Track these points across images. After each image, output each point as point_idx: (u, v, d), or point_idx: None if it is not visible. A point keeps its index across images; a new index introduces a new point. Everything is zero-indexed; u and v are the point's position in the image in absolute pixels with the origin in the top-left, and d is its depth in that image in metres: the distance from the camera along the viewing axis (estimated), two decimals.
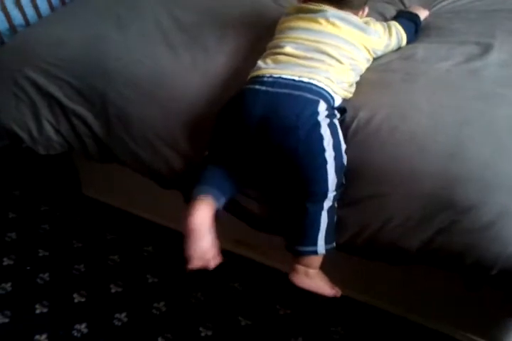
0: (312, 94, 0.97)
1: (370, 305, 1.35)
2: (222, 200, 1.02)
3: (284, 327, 1.33)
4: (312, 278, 1.04)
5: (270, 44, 1.10)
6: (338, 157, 0.98)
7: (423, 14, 1.30)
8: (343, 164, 1.00)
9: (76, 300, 1.40)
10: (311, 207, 0.98)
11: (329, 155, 0.96)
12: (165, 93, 1.15)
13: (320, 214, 0.98)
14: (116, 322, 1.35)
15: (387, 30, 1.16)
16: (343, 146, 1.00)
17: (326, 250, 1.01)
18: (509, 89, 1.06)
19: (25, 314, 1.37)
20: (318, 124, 0.96)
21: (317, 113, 0.96)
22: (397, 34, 1.17)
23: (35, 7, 1.66)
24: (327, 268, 1.17)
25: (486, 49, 1.16)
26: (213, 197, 0.99)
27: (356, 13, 1.11)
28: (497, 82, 1.07)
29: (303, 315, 1.36)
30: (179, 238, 1.50)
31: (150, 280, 1.45)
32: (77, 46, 1.24)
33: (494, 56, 1.14)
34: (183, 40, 1.23)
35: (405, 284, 1.24)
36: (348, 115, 1.04)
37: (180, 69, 1.17)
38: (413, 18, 1.25)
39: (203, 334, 1.32)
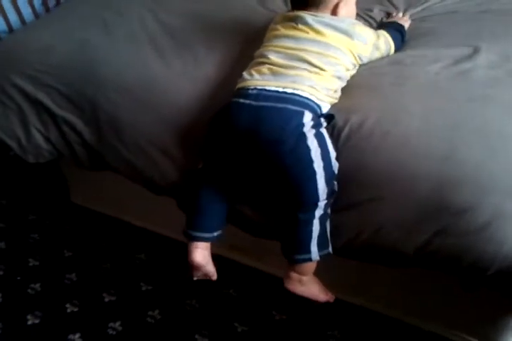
0: (296, 105, 0.97)
1: (365, 308, 1.36)
2: (219, 233, 1.10)
3: (281, 333, 1.33)
4: (306, 285, 1.06)
5: (257, 52, 1.09)
6: (327, 166, 0.98)
7: (406, 24, 1.29)
8: (333, 172, 0.99)
9: (69, 310, 1.38)
10: (302, 217, 0.99)
11: (318, 165, 0.96)
12: (155, 98, 1.14)
13: (312, 223, 0.99)
14: (110, 331, 1.33)
15: (375, 36, 1.13)
16: (333, 154, 0.99)
17: (320, 256, 1.02)
18: (498, 91, 1.07)
19: (17, 325, 1.35)
20: (303, 136, 0.96)
21: (302, 124, 0.96)
22: (386, 43, 1.16)
23: (19, 13, 1.64)
24: (323, 271, 1.18)
25: (475, 51, 1.16)
26: (210, 239, 1.09)
27: (329, 11, 1.08)
28: (486, 84, 1.08)
29: (299, 319, 1.36)
30: (172, 245, 1.51)
31: (144, 288, 1.44)
32: (65, 52, 1.23)
33: (483, 57, 1.14)
34: (171, 45, 1.22)
35: (401, 286, 1.24)
36: (340, 119, 1.04)
37: (169, 74, 1.16)
38: (399, 28, 1.23)
39: None
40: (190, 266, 1.09)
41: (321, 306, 1.35)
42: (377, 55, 1.15)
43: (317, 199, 0.97)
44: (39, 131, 1.22)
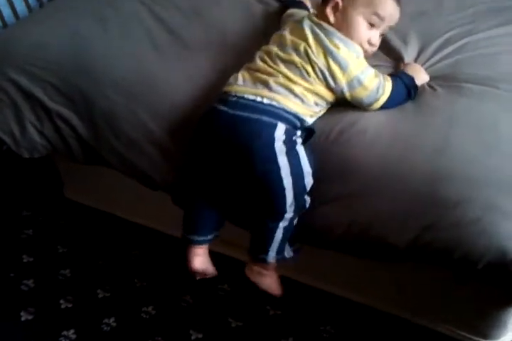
0: (270, 116, 0.97)
1: (358, 303, 1.36)
2: (216, 234, 1.14)
3: (275, 328, 1.33)
4: (264, 277, 1.11)
5: (256, 53, 1.08)
6: (297, 183, 0.99)
7: (420, 76, 1.11)
8: (305, 188, 1.01)
9: (63, 306, 1.38)
10: (268, 224, 1.04)
11: (287, 182, 0.98)
12: (150, 94, 1.14)
13: (275, 232, 1.03)
14: (104, 328, 1.33)
15: (364, 71, 1.01)
16: (307, 171, 1.00)
17: (277, 260, 1.07)
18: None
19: (11, 322, 1.34)
20: (273, 153, 0.96)
21: (273, 138, 0.96)
22: (380, 86, 1.02)
23: (12, 7, 1.63)
24: (314, 266, 1.18)
25: None
26: (207, 242, 1.12)
27: (326, 16, 1.03)
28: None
29: (293, 315, 1.36)
30: (166, 240, 1.51)
31: (138, 284, 1.43)
32: (60, 47, 1.22)
33: None
34: (167, 40, 1.22)
35: (393, 281, 1.25)
36: (332, 120, 1.04)
37: (165, 70, 1.16)
38: (406, 81, 1.06)
39: (193, 337, 1.31)
40: (190, 271, 1.13)
41: (315, 301, 1.37)
42: (359, 91, 1.01)
43: (283, 212, 1.01)
44: (33, 126, 1.22)
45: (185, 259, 1.13)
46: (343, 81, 1.00)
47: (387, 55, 1.20)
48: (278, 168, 0.97)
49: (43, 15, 1.37)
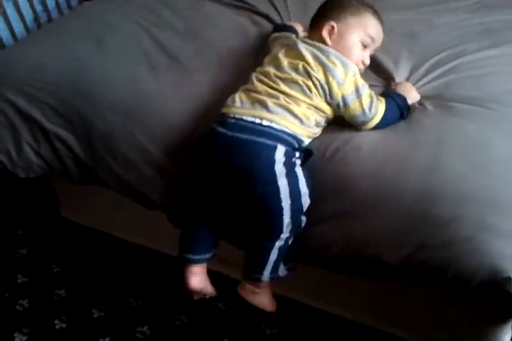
0: (270, 138, 0.99)
1: (354, 322, 1.36)
2: (214, 252, 1.14)
3: None
4: (257, 295, 1.12)
5: (251, 75, 1.09)
6: (295, 204, 1.00)
7: (411, 95, 1.13)
8: (302, 209, 1.02)
9: (57, 327, 1.37)
10: (264, 244, 1.04)
11: (286, 203, 0.99)
12: (148, 115, 1.16)
13: (270, 252, 1.05)
14: None
15: (361, 88, 1.04)
16: (304, 191, 1.01)
17: (270, 278, 1.08)
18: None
19: None
20: (273, 175, 0.98)
21: (273, 161, 0.97)
22: (374, 105, 1.04)
23: (10, 29, 1.65)
24: (309, 284, 1.18)
25: None
26: (205, 261, 1.13)
27: (320, 37, 1.08)
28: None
29: (289, 334, 1.36)
30: (161, 260, 1.51)
31: (133, 304, 1.43)
32: (58, 68, 1.24)
33: None
34: (165, 62, 1.25)
35: (387, 299, 1.25)
36: (327, 139, 1.06)
37: (163, 92, 1.18)
38: (398, 102, 1.08)
39: None
40: (188, 291, 1.13)
41: (311, 320, 1.37)
42: (354, 107, 1.03)
43: (280, 232, 1.02)
44: (30, 146, 1.23)
45: (181, 278, 1.13)
46: (339, 95, 1.02)
47: (379, 75, 1.22)
48: (277, 190, 0.98)
49: (41, 37, 1.39)
